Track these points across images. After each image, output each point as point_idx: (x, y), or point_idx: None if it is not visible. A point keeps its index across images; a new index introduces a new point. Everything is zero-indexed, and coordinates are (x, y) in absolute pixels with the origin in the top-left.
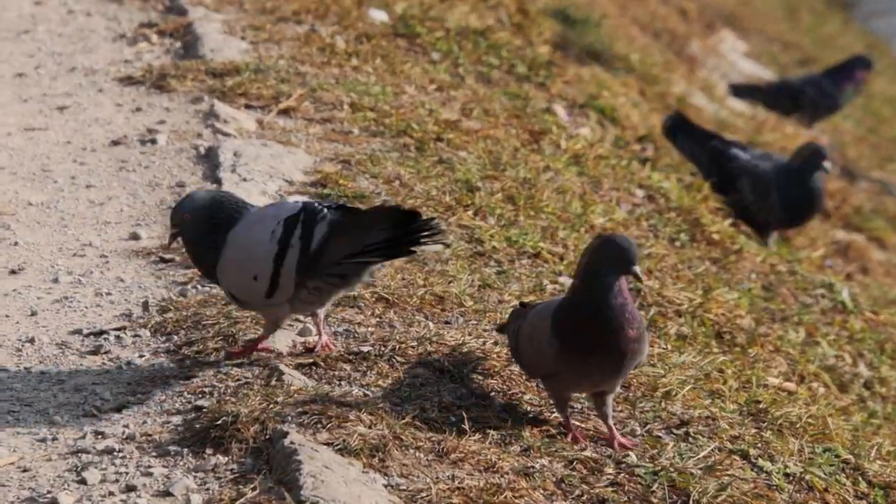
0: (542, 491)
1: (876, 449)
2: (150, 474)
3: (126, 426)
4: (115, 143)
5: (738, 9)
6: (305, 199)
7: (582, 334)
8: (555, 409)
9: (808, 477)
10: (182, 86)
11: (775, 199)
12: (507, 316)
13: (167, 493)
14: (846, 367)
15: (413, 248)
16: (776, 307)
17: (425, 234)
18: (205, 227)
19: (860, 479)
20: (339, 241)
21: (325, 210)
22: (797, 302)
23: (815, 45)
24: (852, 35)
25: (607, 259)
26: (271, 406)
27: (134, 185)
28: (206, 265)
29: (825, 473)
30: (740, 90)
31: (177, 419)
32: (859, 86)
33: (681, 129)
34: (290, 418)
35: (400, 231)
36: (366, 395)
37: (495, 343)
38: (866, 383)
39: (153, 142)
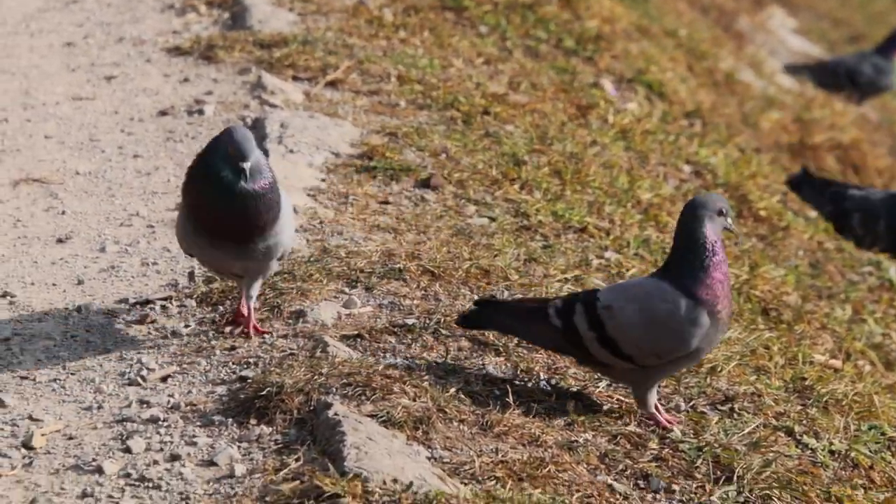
0: (585, 465)
1: None
2: (195, 444)
3: (171, 395)
4: (163, 113)
5: None
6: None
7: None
8: (638, 400)
9: (853, 454)
10: (230, 57)
11: (882, 227)
12: (469, 316)
13: (211, 463)
14: (893, 344)
15: None
16: (823, 284)
17: None
18: None
19: None
20: None
21: None
22: (844, 279)
23: (865, 22)
24: None
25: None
26: (316, 377)
27: (181, 155)
28: None
29: (870, 451)
30: (796, 69)
31: (221, 389)
32: None
33: (805, 183)
34: (334, 389)
35: None
36: (410, 367)
37: None
38: None
39: (200, 112)
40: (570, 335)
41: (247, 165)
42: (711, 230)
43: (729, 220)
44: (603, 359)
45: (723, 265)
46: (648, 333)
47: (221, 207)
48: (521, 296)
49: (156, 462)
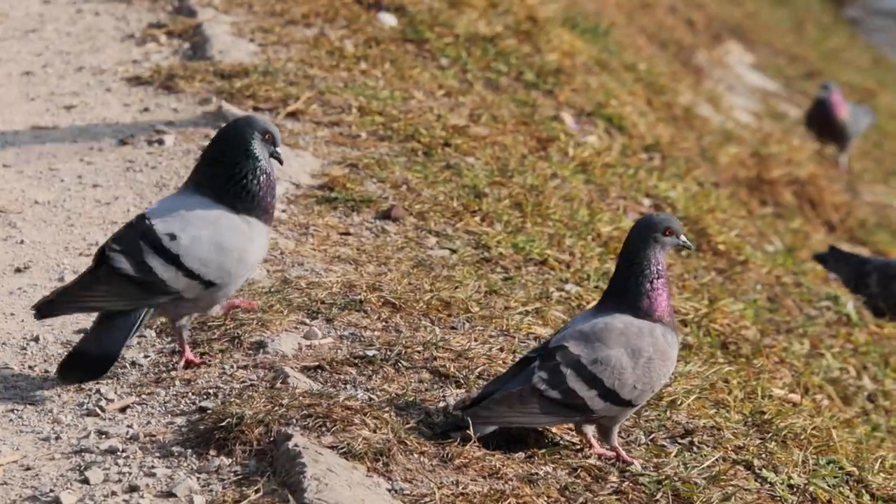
0: (545, 498)
1: (879, 462)
2: (154, 475)
3: (130, 426)
4: (123, 142)
5: (745, 21)
6: None
7: None
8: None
9: (811, 489)
10: (190, 87)
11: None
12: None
13: (170, 494)
14: (850, 379)
15: None
16: (781, 318)
17: None
18: None
19: (863, 491)
20: None
21: None
22: (802, 314)
23: (821, 59)
24: (857, 50)
25: None
26: (276, 408)
27: (141, 185)
28: None
29: (829, 485)
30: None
31: (181, 420)
32: None
33: (832, 258)
34: (294, 421)
35: None
36: (370, 399)
37: (501, 349)
38: (870, 396)
39: (160, 142)
40: (571, 401)
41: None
42: (658, 251)
43: (682, 238)
44: (605, 412)
45: (667, 285)
46: (645, 374)
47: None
48: (486, 380)
49: (114, 493)
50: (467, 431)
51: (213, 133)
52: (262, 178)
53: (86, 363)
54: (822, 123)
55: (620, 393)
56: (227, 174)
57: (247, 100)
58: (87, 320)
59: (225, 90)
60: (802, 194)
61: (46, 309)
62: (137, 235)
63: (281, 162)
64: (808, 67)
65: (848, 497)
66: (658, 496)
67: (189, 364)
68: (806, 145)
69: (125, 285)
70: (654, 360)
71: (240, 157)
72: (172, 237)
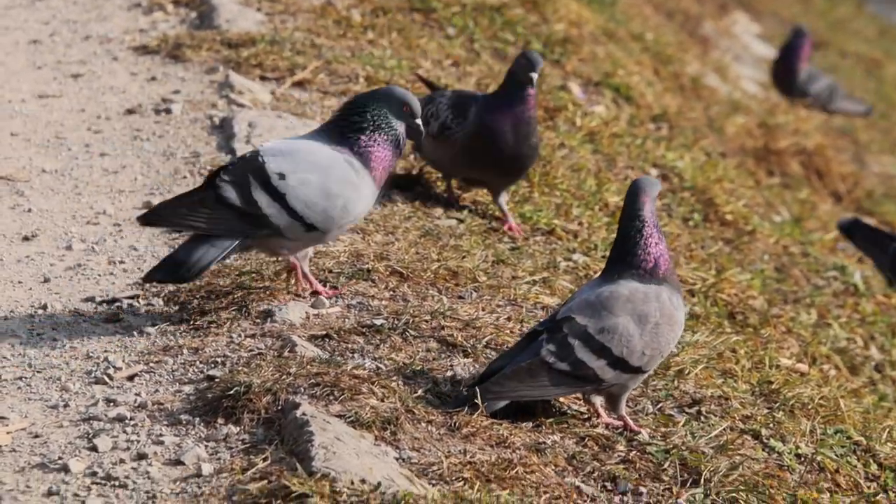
0: (553, 467)
1: (887, 431)
2: (162, 443)
3: (138, 394)
4: (130, 111)
5: None
6: None
7: None
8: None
9: (819, 458)
10: (197, 56)
11: None
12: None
13: (178, 462)
14: (857, 349)
15: None
16: (788, 289)
17: None
18: None
19: (871, 461)
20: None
21: None
22: (809, 284)
23: (827, 28)
24: (864, 20)
25: None
26: (284, 377)
27: (148, 154)
28: None
29: (836, 455)
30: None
31: (189, 388)
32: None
33: (860, 234)
34: (302, 389)
35: None
36: (378, 368)
37: (508, 319)
38: (877, 366)
39: (168, 111)
40: (581, 372)
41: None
42: (651, 211)
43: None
44: (614, 380)
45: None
46: (653, 339)
47: None
48: (494, 349)
49: (122, 461)
50: (483, 405)
51: (219, 102)
52: (382, 146)
53: (172, 267)
54: (778, 69)
55: (629, 360)
56: (352, 129)
57: (254, 69)
58: (94, 289)
59: (232, 59)
60: (809, 164)
61: (150, 219)
62: (248, 170)
63: (420, 134)
64: (815, 37)
65: (855, 466)
66: (666, 465)
67: (317, 294)
68: (813, 115)
69: (228, 214)
70: (661, 325)
71: (366, 124)
72: (282, 176)
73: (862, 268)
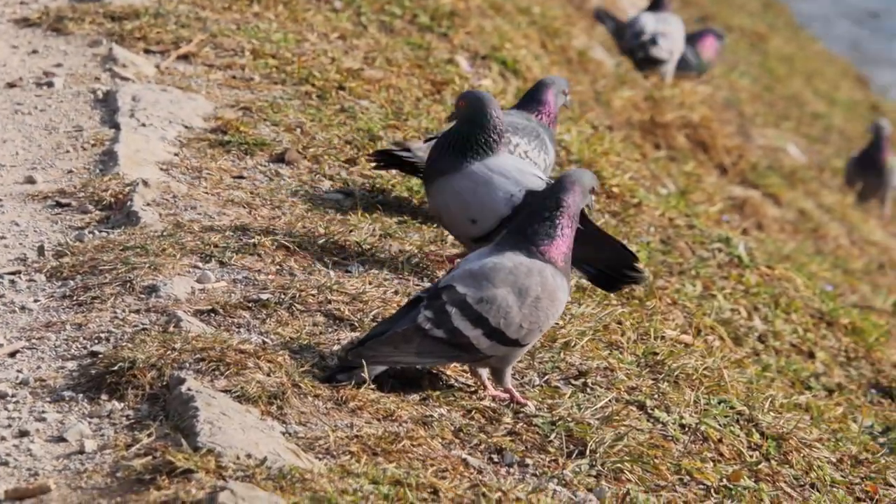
0: (440, 439)
1: (769, 401)
2: (44, 419)
3: (20, 371)
4: (11, 85)
5: None
6: (538, 174)
7: None
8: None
9: (703, 428)
10: (80, 29)
11: None
12: None
13: (61, 439)
14: (741, 320)
15: (618, 287)
16: (674, 260)
17: (632, 276)
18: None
19: (753, 430)
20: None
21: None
22: (694, 256)
23: (713, 2)
24: None
25: None
26: (169, 352)
27: (30, 128)
28: (432, 170)
29: (720, 424)
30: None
31: (72, 365)
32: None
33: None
34: (187, 365)
35: (617, 268)
36: (265, 342)
37: (395, 292)
38: (761, 337)
39: (50, 85)
40: (457, 340)
41: None
42: (575, 202)
43: (591, 198)
44: (491, 351)
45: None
46: (532, 313)
47: None
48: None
49: (3, 438)
50: (357, 372)
51: (103, 76)
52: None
53: None
54: (869, 163)
55: (507, 332)
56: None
57: (138, 42)
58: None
59: (115, 32)
60: (695, 137)
61: None
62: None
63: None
64: (700, 11)
65: (738, 436)
66: (552, 437)
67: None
68: (698, 89)
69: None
70: (541, 300)
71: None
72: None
73: (746, 239)
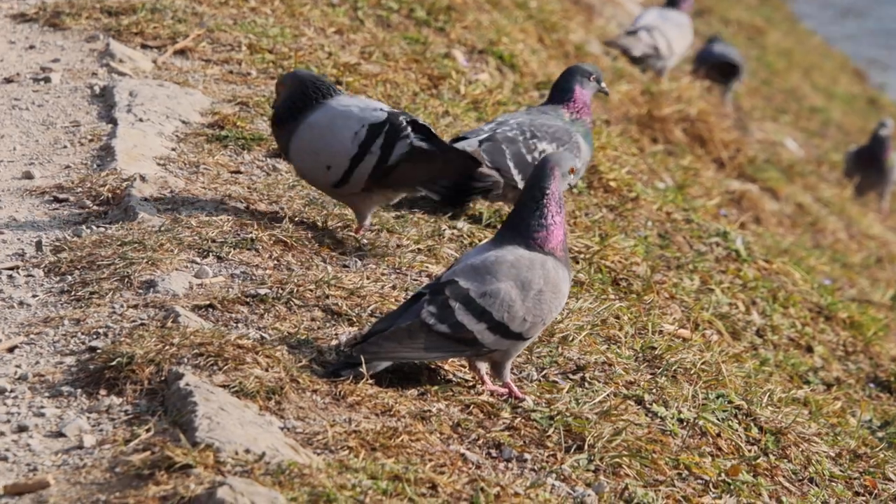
0: (438, 434)
1: (768, 395)
2: (43, 415)
3: (18, 366)
4: (8, 80)
5: None
6: (383, 106)
7: None
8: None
9: (701, 422)
10: (77, 24)
11: None
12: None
13: (60, 434)
14: (739, 314)
15: (468, 199)
16: (671, 255)
17: (479, 186)
18: (288, 103)
19: (752, 424)
20: (415, 167)
21: (409, 129)
22: (692, 250)
23: None
24: None
25: None
26: (167, 347)
27: (27, 123)
28: (279, 140)
29: (718, 419)
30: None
31: (70, 360)
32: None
33: None
34: (185, 360)
35: (463, 179)
36: (263, 337)
37: (393, 287)
38: (759, 331)
39: (47, 80)
40: (461, 335)
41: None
42: (557, 187)
43: (572, 178)
44: (495, 345)
45: (564, 223)
46: (535, 306)
47: None
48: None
49: (2, 433)
50: (359, 369)
51: (100, 71)
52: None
53: None
54: (870, 160)
55: (510, 326)
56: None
57: (135, 37)
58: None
59: (112, 27)
60: (693, 131)
61: None
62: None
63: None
64: (698, 5)
65: (736, 430)
66: (550, 431)
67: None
68: (695, 84)
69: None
70: (544, 293)
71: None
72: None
73: (744, 233)
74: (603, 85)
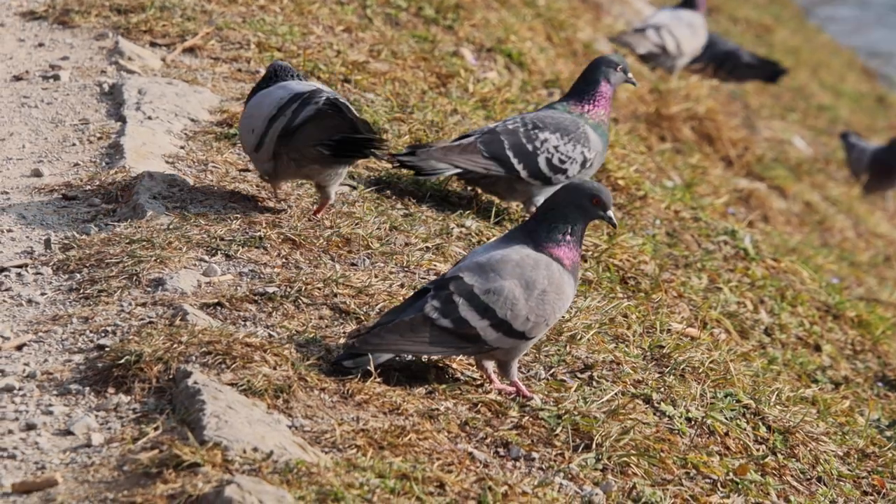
0: (446, 433)
1: (776, 394)
2: (51, 413)
3: (27, 364)
4: (17, 78)
5: None
6: (325, 89)
7: None
8: (504, 371)
9: (709, 421)
10: (86, 22)
11: None
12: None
13: (68, 432)
14: (747, 313)
15: (355, 154)
16: (679, 253)
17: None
18: (256, 85)
19: (760, 423)
20: (317, 127)
21: (322, 98)
22: (700, 248)
23: None
24: None
25: None
26: (175, 346)
27: (36, 121)
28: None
29: (726, 418)
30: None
31: (79, 358)
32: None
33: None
34: (194, 358)
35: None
36: (271, 335)
37: (401, 285)
38: (767, 330)
39: (56, 78)
40: (464, 330)
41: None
42: (580, 218)
43: (608, 212)
44: (498, 343)
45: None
46: (538, 306)
47: None
48: (384, 310)
49: (10, 431)
50: (361, 359)
51: (109, 69)
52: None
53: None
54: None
55: (513, 324)
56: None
57: (144, 35)
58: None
59: (121, 25)
60: (701, 130)
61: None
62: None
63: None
64: (708, 3)
65: (745, 429)
66: (558, 430)
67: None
68: (704, 82)
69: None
70: (548, 293)
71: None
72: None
73: (752, 232)
74: (630, 75)
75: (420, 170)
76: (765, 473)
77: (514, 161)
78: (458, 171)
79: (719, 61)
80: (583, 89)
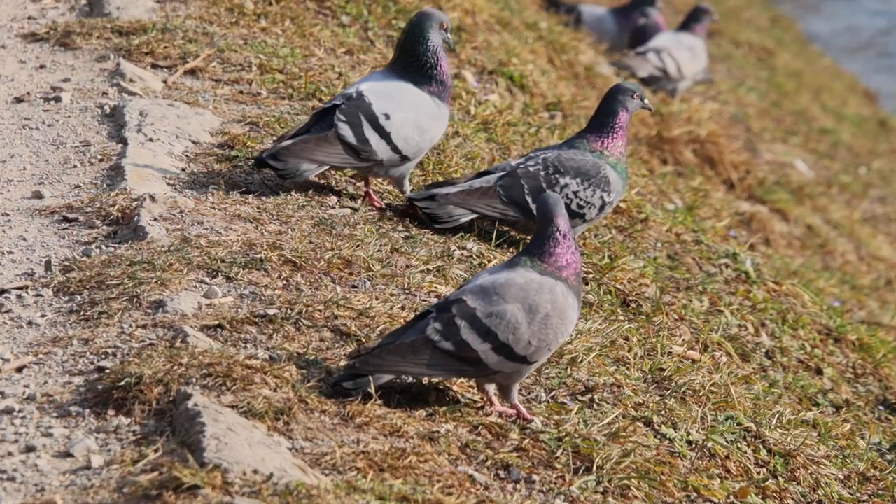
0: (446, 455)
1: (777, 417)
2: (51, 435)
3: (26, 386)
4: (19, 100)
5: None
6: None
7: None
8: (504, 394)
9: (710, 444)
10: (87, 44)
11: None
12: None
13: (68, 454)
14: (748, 336)
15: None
16: (681, 276)
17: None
18: None
19: (761, 446)
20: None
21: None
22: (701, 271)
23: (721, 17)
24: (757, 8)
25: None
26: (175, 368)
27: (37, 143)
28: None
29: (727, 441)
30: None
31: (79, 380)
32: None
33: None
34: (194, 380)
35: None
36: (271, 357)
37: (402, 308)
38: (768, 353)
39: (57, 100)
40: (465, 353)
41: None
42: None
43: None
44: (499, 367)
45: (577, 252)
46: (541, 331)
47: None
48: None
49: (10, 454)
50: (361, 380)
51: (110, 91)
52: (442, 63)
53: (276, 157)
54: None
55: (515, 348)
56: (418, 63)
57: (145, 57)
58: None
59: (123, 47)
60: (702, 153)
61: (282, 155)
62: (359, 110)
63: (451, 48)
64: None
65: (745, 452)
66: (558, 453)
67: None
68: (706, 105)
69: (343, 148)
70: (550, 318)
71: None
72: (387, 116)
73: (753, 255)
74: (646, 101)
75: (437, 218)
76: (766, 497)
77: (533, 207)
78: (475, 216)
79: None
80: (602, 122)
